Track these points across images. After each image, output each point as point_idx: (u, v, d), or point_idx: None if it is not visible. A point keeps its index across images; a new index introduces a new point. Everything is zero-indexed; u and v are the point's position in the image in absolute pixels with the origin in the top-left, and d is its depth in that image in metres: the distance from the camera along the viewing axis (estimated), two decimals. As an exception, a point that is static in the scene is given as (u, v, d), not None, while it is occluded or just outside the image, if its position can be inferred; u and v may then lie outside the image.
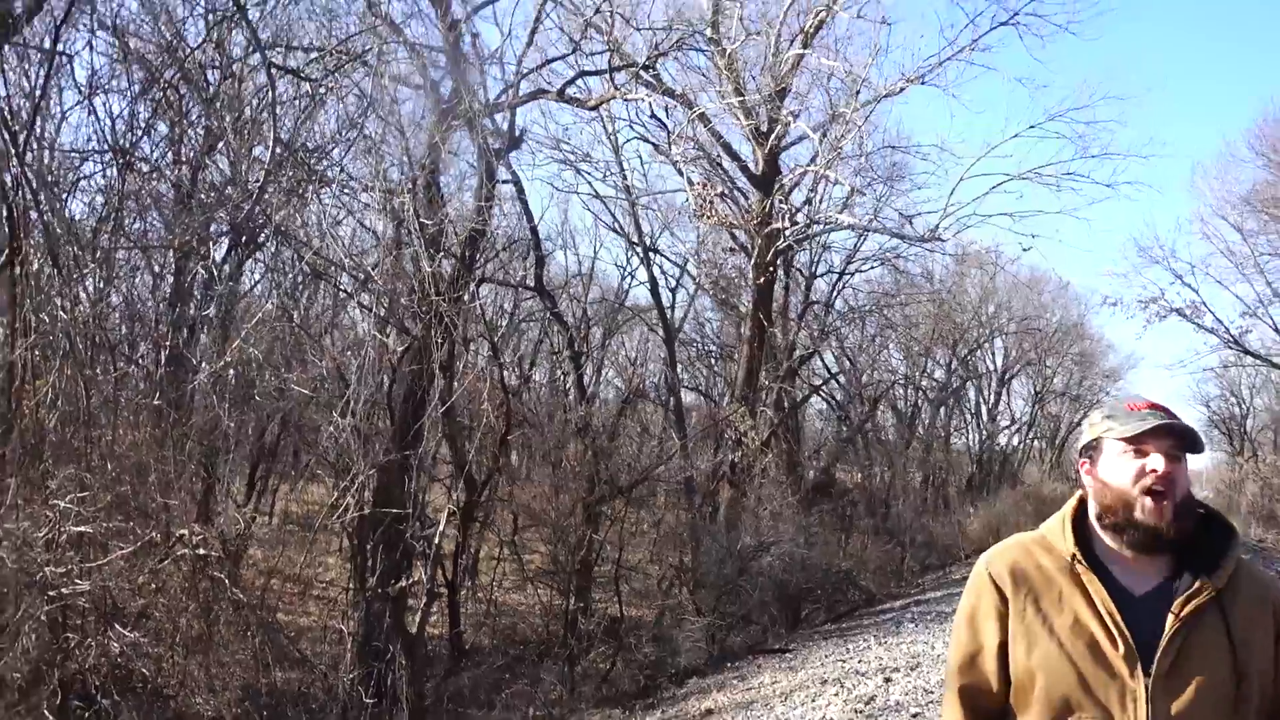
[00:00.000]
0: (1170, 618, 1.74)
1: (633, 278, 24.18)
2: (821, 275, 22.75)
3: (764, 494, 17.62)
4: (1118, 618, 1.75)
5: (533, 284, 16.41)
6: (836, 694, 7.71)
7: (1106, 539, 1.85)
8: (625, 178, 18.80)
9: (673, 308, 24.76)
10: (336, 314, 13.20)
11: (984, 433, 35.78)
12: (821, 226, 18.84)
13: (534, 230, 16.25)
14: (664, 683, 10.77)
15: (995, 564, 1.90)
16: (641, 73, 12.67)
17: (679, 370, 23.62)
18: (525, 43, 11.54)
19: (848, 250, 22.58)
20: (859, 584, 15.89)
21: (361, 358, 8.39)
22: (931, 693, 7.13)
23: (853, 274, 23.01)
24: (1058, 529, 1.89)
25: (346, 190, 10.40)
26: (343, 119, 10.32)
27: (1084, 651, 1.75)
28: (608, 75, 11.97)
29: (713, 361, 25.72)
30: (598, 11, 11.52)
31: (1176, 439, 1.82)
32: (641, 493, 15.37)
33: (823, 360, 24.54)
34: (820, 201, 19.80)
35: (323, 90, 9.48)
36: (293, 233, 9.30)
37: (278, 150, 7.85)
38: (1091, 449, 1.91)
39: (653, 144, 16.22)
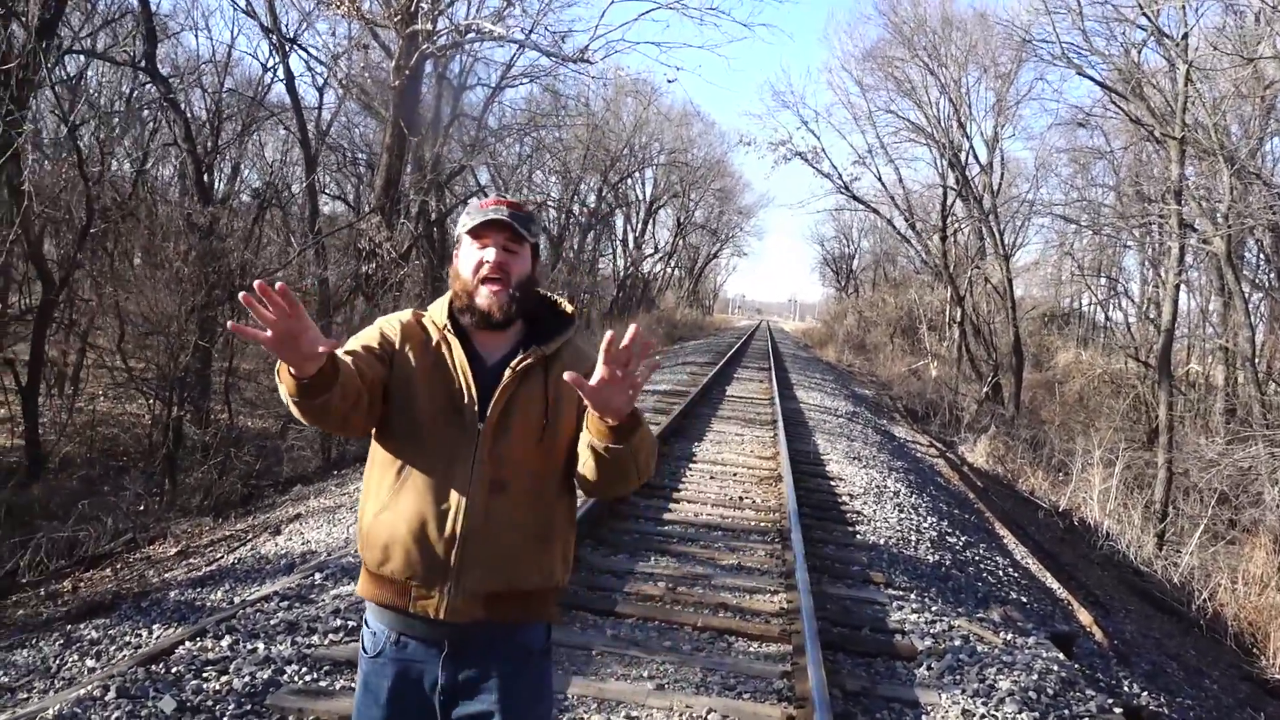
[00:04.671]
0: (507, 373, 2.05)
1: (275, 73, 22.27)
2: (473, 87, 22.16)
3: (401, 307, 17.44)
4: (470, 376, 2.06)
5: (143, 64, 14.68)
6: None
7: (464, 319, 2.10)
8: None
9: (319, 109, 23.23)
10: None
11: (629, 259, 37.46)
12: (475, 34, 18.21)
13: (144, 2, 14.37)
14: (269, 491, 10.61)
15: (394, 321, 2.15)
16: None
17: (323, 176, 22.42)
18: None
19: (502, 65, 22.08)
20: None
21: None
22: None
23: (504, 89, 22.60)
24: (440, 307, 2.14)
25: None
26: None
27: (443, 399, 2.05)
28: None
29: (361, 170, 24.61)
30: None
31: (512, 232, 2.03)
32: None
33: (475, 176, 24.23)
34: (475, 9, 19.11)
35: None
36: None
37: None
38: (457, 244, 2.15)
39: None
